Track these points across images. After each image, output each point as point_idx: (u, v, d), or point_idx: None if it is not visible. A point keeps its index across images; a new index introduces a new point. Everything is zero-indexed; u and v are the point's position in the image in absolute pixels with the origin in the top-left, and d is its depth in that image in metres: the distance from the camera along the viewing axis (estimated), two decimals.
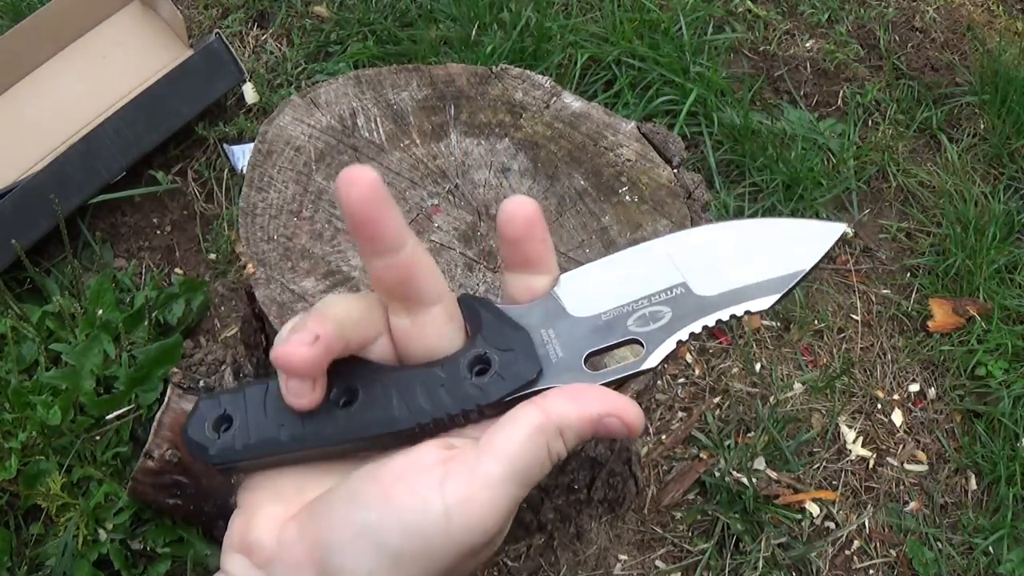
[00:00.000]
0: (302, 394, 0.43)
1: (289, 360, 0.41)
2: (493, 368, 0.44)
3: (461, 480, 0.41)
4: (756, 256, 0.48)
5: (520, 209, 0.45)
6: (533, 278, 0.47)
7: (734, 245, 0.49)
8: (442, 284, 0.45)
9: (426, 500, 0.41)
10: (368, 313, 0.45)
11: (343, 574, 0.41)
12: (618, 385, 0.48)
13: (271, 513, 0.45)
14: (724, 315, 0.46)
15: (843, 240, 1.88)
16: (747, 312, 0.46)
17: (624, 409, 0.44)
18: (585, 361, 0.45)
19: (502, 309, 0.47)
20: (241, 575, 0.44)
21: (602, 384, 0.45)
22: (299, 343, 0.41)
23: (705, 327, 0.46)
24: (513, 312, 0.47)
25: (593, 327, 0.46)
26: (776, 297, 0.46)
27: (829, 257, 0.51)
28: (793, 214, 1.86)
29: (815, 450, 1.62)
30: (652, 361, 0.45)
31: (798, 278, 0.47)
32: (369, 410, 0.44)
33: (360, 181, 0.41)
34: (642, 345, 0.46)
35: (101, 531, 1.31)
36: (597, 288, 0.47)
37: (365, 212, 0.41)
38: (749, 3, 2.22)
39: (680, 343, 0.46)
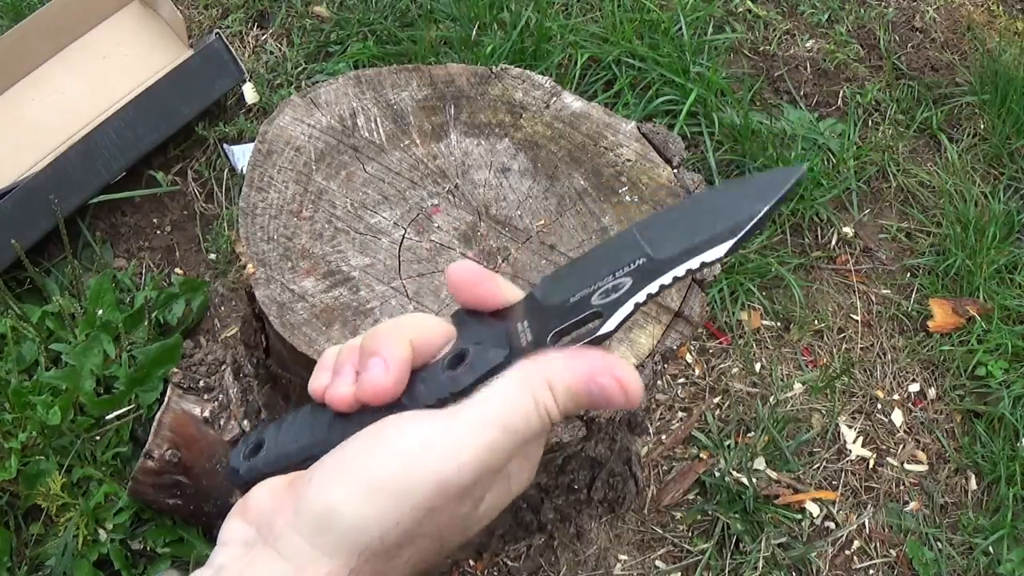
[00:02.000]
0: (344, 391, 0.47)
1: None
2: (467, 359, 0.47)
3: (441, 418, 0.44)
4: (714, 213, 0.49)
5: (458, 267, 0.50)
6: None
7: (694, 209, 0.51)
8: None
9: (403, 430, 0.44)
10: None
11: (315, 504, 0.43)
12: None
13: (272, 482, 0.47)
14: (680, 271, 0.48)
15: (842, 240, 1.88)
16: (702, 264, 0.48)
17: (618, 367, 0.45)
18: (554, 341, 0.48)
19: (486, 314, 0.50)
20: (233, 535, 0.45)
21: None
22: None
23: (662, 286, 0.48)
24: (496, 314, 0.50)
25: (561, 310, 0.48)
26: (728, 245, 0.47)
27: (787, 199, 0.53)
28: (793, 214, 1.86)
29: (815, 450, 1.62)
30: (609, 326, 0.48)
31: (750, 224, 0.47)
32: (360, 416, 0.47)
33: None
34: (601, 315, 0.48)
35: (101, 531, 1.31)
36: (570, 277, 0.50)
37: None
38: (749, 3, 2.22)
39: (637, 306, 0.48)
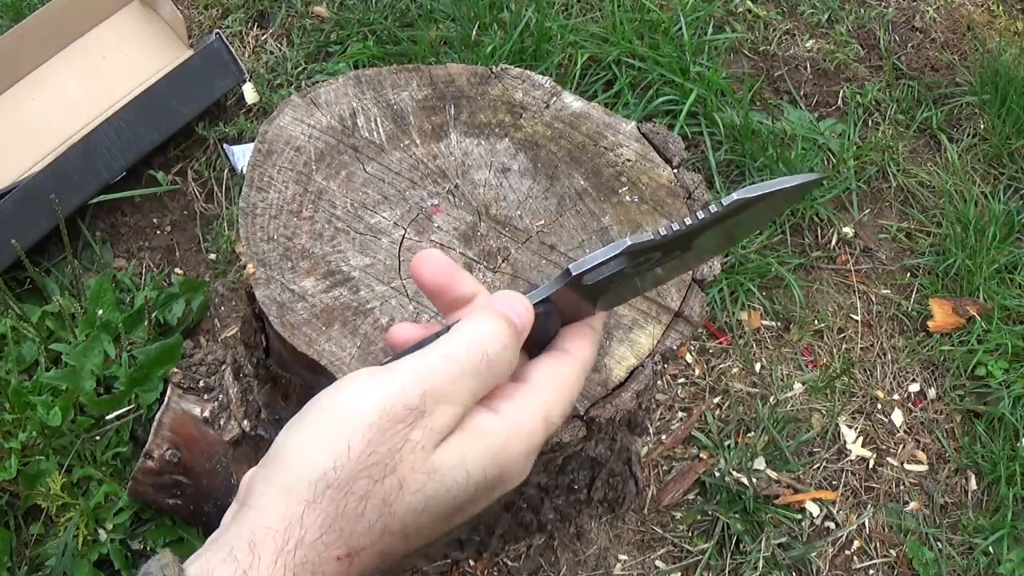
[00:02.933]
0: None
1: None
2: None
3: (391, 362, 0.47)
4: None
5: (424, 259, 0.55)
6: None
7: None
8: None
9: (352, 376, 0.47)
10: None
11: (279, 452, 0.45)
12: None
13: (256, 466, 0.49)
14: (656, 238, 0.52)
15: (842, 240, 1.88)
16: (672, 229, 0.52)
17: (511, 297, 0.51)
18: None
19: None
20: (227, 519, 0.47)
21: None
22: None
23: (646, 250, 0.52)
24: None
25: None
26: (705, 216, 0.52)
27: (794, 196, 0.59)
28: (793, 214, 1.86)
29: (815, 450, 1.62)
30: (574, 265, 0.52)
31: (742, 202, 0.52)
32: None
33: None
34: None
35: (101, 531, 1.31)
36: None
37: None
38: (749, 3, 2.22)
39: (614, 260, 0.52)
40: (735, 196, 0.50)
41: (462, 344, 0.47)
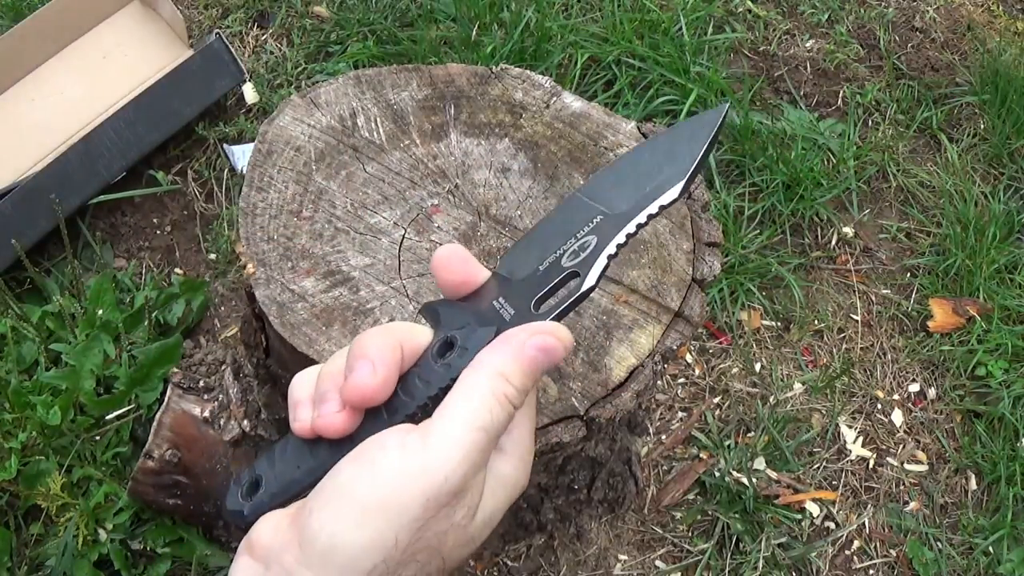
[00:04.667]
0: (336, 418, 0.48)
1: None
2: (457, 344, 0.48)
3: (417, 434, 0.45)
4: (656, 162, 0.53)
5: (449, 252, 0.52)
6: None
7: (634, 164, 0.54)
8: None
9: (386, 451, 0.45)
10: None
11: (318, 536, 0.44)
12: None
13: (274, 517, 0.47)
14: (642, 218, 0.51)
15: (842, 240, 1.88)
16: (660, 207, 0.51)
17: (541, 326, 0.48)
18: (537, 307, 0.50)
19: (456, 301, 0.52)
20: (243, 571, 0.46)
21: (552, 318, 0.49)
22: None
23: (628, 235, 0.51)
24: (466, 299, 0.52)
25: (534, 280, 0.51)
26: (680, 186, 0.51)
27: (718, 137, 0.61)
28: (793, 215, 1.86)
29: (815, 450, 1.62)
30: (589, 281, 0.50)
31: (694, 164, 0.52)
32: (362, 428, 0.48)
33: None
34: (579, 274, 0.50)
35: (101, 531, 1.31)
36: (530, 251, 0.53)
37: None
38: (749, 3, 2.22)
39: (610, 257, 0.51)
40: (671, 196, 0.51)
41: (493, 410, 0.46)
